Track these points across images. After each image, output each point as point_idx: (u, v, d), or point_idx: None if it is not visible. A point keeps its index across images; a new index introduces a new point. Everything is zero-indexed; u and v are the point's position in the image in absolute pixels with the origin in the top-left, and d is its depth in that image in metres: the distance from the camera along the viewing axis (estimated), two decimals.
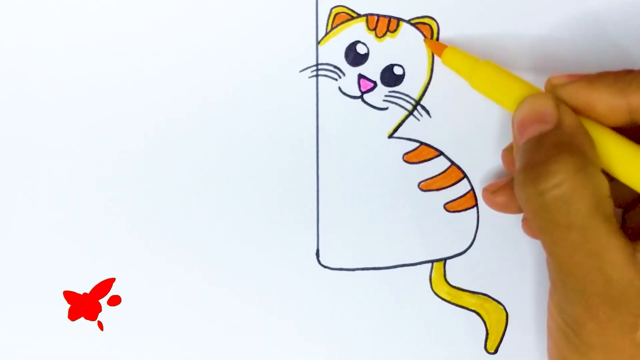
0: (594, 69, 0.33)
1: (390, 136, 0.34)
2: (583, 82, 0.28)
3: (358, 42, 0.34)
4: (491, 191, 0.32)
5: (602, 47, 0.33)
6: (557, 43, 0.33)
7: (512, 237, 0.34)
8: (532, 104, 0.28)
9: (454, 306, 0.35)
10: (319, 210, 0.34)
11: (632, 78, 0.27)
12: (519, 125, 0.28)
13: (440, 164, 0.34)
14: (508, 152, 0.32)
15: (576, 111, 0.28)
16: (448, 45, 0.33)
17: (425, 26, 0.33)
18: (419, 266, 0.35)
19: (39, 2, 0.33)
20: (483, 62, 0.31)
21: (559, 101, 0.28)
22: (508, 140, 0.34)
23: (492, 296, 0.35)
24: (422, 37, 0.33)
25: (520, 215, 0.34)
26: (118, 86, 0.34)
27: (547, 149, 0.26)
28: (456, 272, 0.35)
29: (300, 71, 0.34)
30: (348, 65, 0.34)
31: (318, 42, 0.34)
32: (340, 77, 0.34)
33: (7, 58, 0.34)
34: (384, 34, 0.33)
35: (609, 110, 0.27)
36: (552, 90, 0.29)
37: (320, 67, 0.34)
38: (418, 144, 0.34)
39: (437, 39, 0.33)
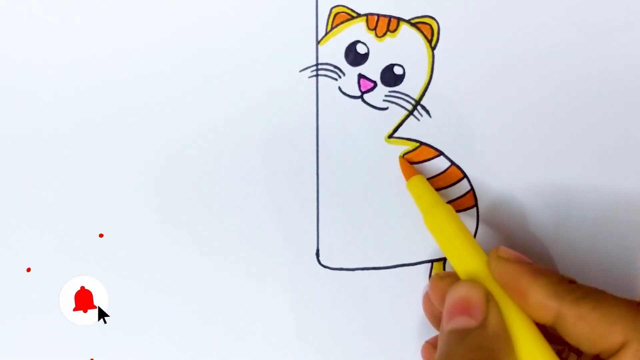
0: (593, 69, 0.33)
1: (390, 136, 0.34)
2: (527, 269, 0.28)
3: (358, 41, 0.34)
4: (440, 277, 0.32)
5: (602, 47, 0.33)
6: (557, 43, 0.33)
7: (512, 237, 0.34)
8: (465, 290, 0.28)
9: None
10: (319, 210, 0.34)
11: (573, 289, 0.27)
12: (448, 310, 0.29)
13: (440, 164, 0.34)
14: (438, 280, 0.32)
15: (507, 291, 0.28)
16: (419, 172, 0.33)
17: (426, 26, 0.33)
18: (419, 266, 0.35)
19: (40, 2, 0.33)
20: (444, 206, 0.31)
21: (491, 296, 0.28)
22: (508, 140, 0.34)
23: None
24: (398, 157, 0.34)
25: (521, 215, 0.34)
26: (118, 86, 0.34)
27: (467, 349, 0.27)
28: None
29: (300, 71, 0.34)
30: (348, 65, 0.34)
31: (318, 42, 0.34)
32: (340, 77, 0.34)
33: (7, 58, 0.34)
34: (384, 34, 0.33)
35: (538, 306, 0.27)
36: (496, 261, 0.29)
37: (320, 67, 0.34)
38: (418, 144, 0.34)
39: (438, 39, 0.33)
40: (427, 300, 0.33)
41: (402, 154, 0.34)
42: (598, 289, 0.27)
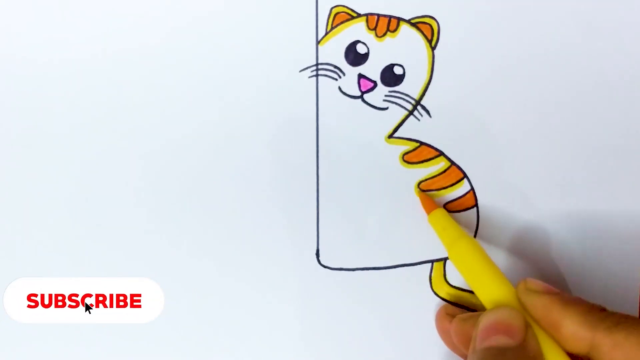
0: (594, 68, 0.33)
1: (390, 136, 0.34)
2: (557, 301, 0.28)
3: (358, 41, 0.34)
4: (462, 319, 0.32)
5: (603, 46, 0.33)
6: (557, 43, 0.33)
7: (512, 237, 0.34)
8: (503, 314, 0.28)
9: (454, 306, 0.35)
10: (319, 210, 0.34)
11: (605, 317, 0.27)
12: (484, 330, 0.28)
13: (440, 164, 0.34)
14: (461, 322, 0.31)
15: (539, 323, 0.28)
16: (439, 205, 0.33)
17: (426, 26, 0.33)
18: (419, 266, 0.35)
19: (38, 2, 0.33)
20: (468, 239, 0.31)
21: (528, 322, 0.28)
22: (508, 140, 0.34)
23: None
24: (415, 190, 0.34)
25: (521, 215, 0.34)
26: (117, 85, 0.34)
27: None
28: (456, 272, 0.34)
29: (300, 71, 0.34)
30: (348, 65, 0.34)
31: (318, 42, 0.34)
32: (340, 77, 0.34)
33: (4, 58, 0.34)
34: (384, 34, 0.33)
35: (572, 337, 0.27)
36: (525, 293, 0.29)
37: (320, 67, 0.34)
38: (418, 144, 0.34)
39: (438, 39, 0.33)
40: (443, 328, 0.33)
41: (416, 185, 0.34)
42: (630, 316, 0.27)
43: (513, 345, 0.27)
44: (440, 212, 0.33)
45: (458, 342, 0.31)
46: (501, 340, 0.27)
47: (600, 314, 0.27)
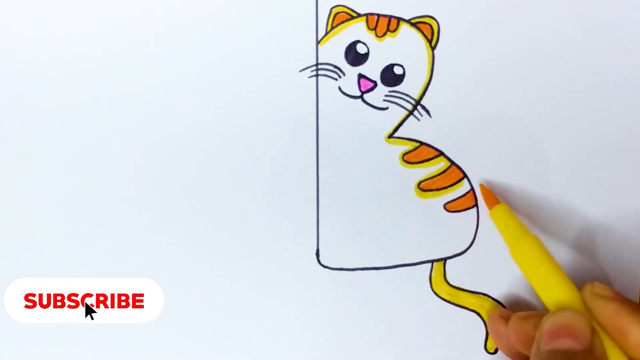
0: (594, 68, 0.33)
1: (390, 136, 0.34)
2: (626, 307, 0.28)
3: (358, 41, 0.34)
4: (522, 317, 0.31)
5: (603, 46, 0.33)
6: (557, 43, 0.33)
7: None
8: (570, 318, 0.28)
9: (454, 306, 0.35)
10: (319, 210, 0.34)
11: None
12: (550, 332, 0.28)
13: (440, 164, 0.34)
14: (520, 321, 0.31)
15: (605, 329, 0.28)
16: (501, 200, 0.33)
17: (426, 26, 0.33)
18: (419, 266, 0.35)
19: (37, 1, 0.33)
20: (531, 237, 0.31)
21: (595, 328, 0.28)
22: (508, 140, 0.34)
23: (492, 296, 0.35)
24: (480, 186, 0.34)
25: (521, 215, 0.34)
26: (116, 85, 0.34)
27: None
28: (456, 272, 0.35)
29: (300, 71, 0.34)
30: (348, 65, 0.34)
31: (318, 42, 0.33)
32: (340, 76, 0.34)
33: (7, 57, 0.34)
34: (384, 34, 0.33)
35: (639, 345, 0.27)
36: (592, 298, 0.29)
37: (320, 67, 0.34)
38: (418, 144, 0.34)
39: (438, 39, 0.33)
40: (497, 331, 0.33)
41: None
42: None
43: (580, 350, 0.27)
44: (503, 208, 0.32)
45: (516, 341, 0.31)
46: (568, 344, 0.27)
47: None
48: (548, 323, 0.28)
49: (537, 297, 0.34)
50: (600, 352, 0.27)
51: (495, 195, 0.33)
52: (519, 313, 0.31)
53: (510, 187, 0.34)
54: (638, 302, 0.29)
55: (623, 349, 0.27)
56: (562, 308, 0.29)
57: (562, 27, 0.33)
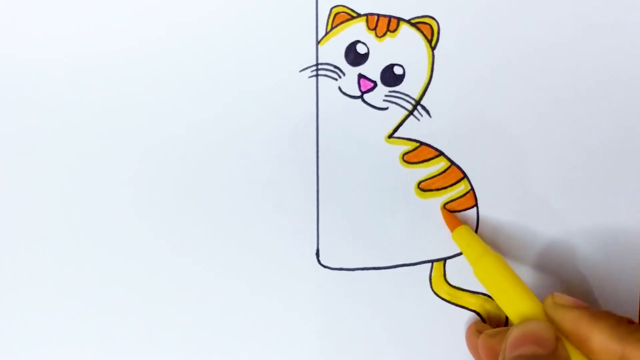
0: (594, 68, 0.33)
1: (390, 136, 0.34)
2: (585, 314, 0.28)
3: (358, 41, 0.34)
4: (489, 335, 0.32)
5: (603, 45, 0.33)
6: (557, 43, 0.33)
7: (512, 237, 0.34)
8: (533, 326, 0.28)
9: (454, 306, 0.35)
10: (319, 210, 0.34)
11: (635, 329, 0.27)
12: (515, 340, 0.28)
13: (440, 164, 0.34)
14: (488, 338, 0.31)
15: (568, 337, 0.28)
16: (462, 221, 0.34)
17: (426, 26, 0.33)
18: (419, 266, 0.35)
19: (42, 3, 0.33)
20: (492, 255, 0.31)
21: (559, 334, 0.28)
22: (507, 140, 0.34)
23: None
24: (440, 208, 0.34)
25: (521, 215, 0.34)
26: (116, 85, 0.34)
27: None
28: (456, 272, 0.35)
29: (300, 71, 0.34)
30: (348, 65, 0.34)
31: (318, 42, 0.33)
32: (340, 77, 0.34)
33: (6, 56, 0.34)
34: (384, 34, 0.33)
35: (601, 350, 0.27)
36: (553, 308, 0.29)
37: (320, 67, 0.34)
38: (418, 144, 0.34)
39: (438, 39, 0.33)
40: (473, 345, 0.33)
41: (442, 204, 0.34)
42: None
43: (544, 354, 0.27)
44: (464, 229, 0.33)
45: (485, 357, 0.31)
46: (532, 349, 0.27)
47: (630, 326, 0.27)
48: (512, 333, 0.28)
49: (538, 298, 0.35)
50: (564, 357, 0.27)
51: (457, 218, 0.34)
52: (487, 331, 0.32)
53: (509, 186, 0.34)
54: (600, 309, 0.29)
55: (586, 356, 0.28)
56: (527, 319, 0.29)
57: (562, 27, 0.33)
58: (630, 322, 0.28)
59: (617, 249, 0.34)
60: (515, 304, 0.30)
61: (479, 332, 0.33)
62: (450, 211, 0.34)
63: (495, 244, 0.34)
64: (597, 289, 0.35)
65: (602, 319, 0.28)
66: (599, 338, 0.27)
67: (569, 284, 0.35)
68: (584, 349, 0.28)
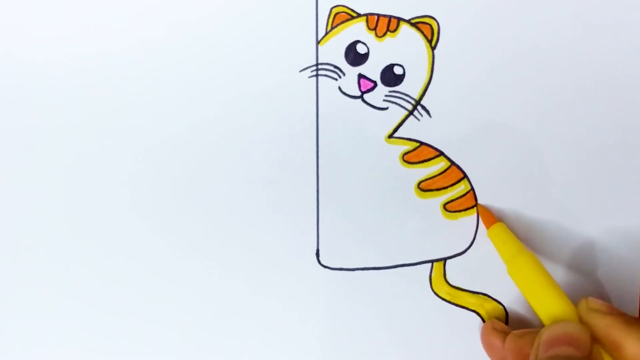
0: (594, 68, 0.33)
1: (390, 136, 0.34)
2: (619, 321, 0.28)
3: (358, 41, 0.34)
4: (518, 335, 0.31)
5: (603, 45, 0.33)
6: (557, 42, 0.33)
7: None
8: (569, 327, 0.28)
9: (453, 306, 0.35)
10: (319, 210, 0.34)
11: None
12: (549, 340, 0.28)
13: (440, 164, 0.34)
14: (516, 339, 0.31)
15: (601, 343, 0.28)
16: (498, 218, 0.33)
17: (426, 26, 0.33)
18: (419, 266, 0.35)
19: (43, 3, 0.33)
20: (528, 255, 0.31)
21: (594, 339, 0.28)
22: (508, 140, 0.34)
23: (492, 296, 0.35)
24: (477, 205, 0.34)
25: (521, 215, 0.34)
26: (116, 85, 0.34)
27: None
28: (456, 272, 0.35)
29: (300, 71, 0.34)
30: (348, 65, 0.34)
31: (318, 42, 0.33)
32: (340, 77, 0.34)
33: (5, 56, 0.34)
34: (384, 34, 0.33)
35: (635, 357, 0.27)
36: (587, 312, 0.29)
37: (320, 67, 0.34)
38: (418, 144, 0.34)
39: (438, 39, 0.33)
40: (491, 343, 0.33)
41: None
42: None
43: (579, 357, 0.27)
44: (500, 227, 0.33)
45: (513, 358, 0.31)
46: (567, 351, 0.27)
47: None
48: (547, 333, 0.28)
49: None
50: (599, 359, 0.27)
51: (492, 215, 0.34)
52: (515, 331, 0.32)
53: (509, 186, 0.34)
54: (634, 315, 0.29)
55: None
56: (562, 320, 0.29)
57: (562, 27, 0.33)
58: None
59: (617, 250, 0.34)
60: (549, 305, 0.30)
61: (497, 330, 0.33)
62: (452, 211, 0.34)
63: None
64: (597, 288, 0.35)
65: (636, 326, 0.27)
66: (633, 345, 0.27)
67: (570, 283, 0.35)
68: (617, 355, 0.28)
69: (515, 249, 0.32)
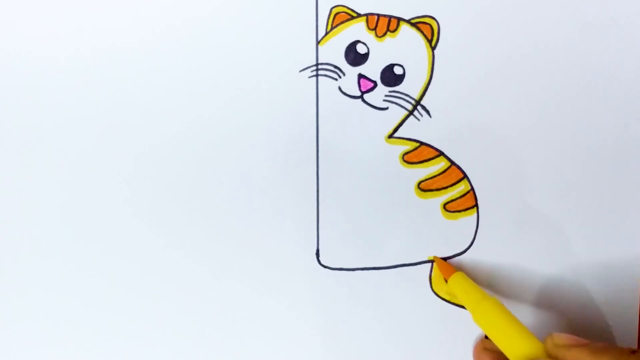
0: (594, 68, 0.33)
1: (390, 136, 0.34)
2: (586, 351, 0.28)
3: (358, 41, 0.34)
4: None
5: (602, 46, 0.33)
6: (557, 42, 0.33)
7: (512, 237, 0.34)
8: None
9: (453, 306, 0.35)
10: (319, 210, 0.34)
11: (636, 358, 0.27)
12: None
13: (440, 164, 0.34)
14: (483, 354, 0.33)
15: None
16: (457, 267, 0.34)
17: (426, 26, 0.33)
18: (419, 266, 0.35)
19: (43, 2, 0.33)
20: (490, 300, 0.31)
21: None
22: (508, 140, 0.34)
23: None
24: (434, 258, 0.34)
25: (520, 215, 0.34)
26: (116, 85, 0.34)
27: None
28: None
29: (300, 71, 0.34)
30: (348, 65, 0.34)
31: (318, 42, 0.33)
32: (340, 77, 0.34)
33: (4, 55, 0.34)
34: (384, 34, 0.33)
35: None
36: (554, 348, 0.29)
37: (320, 67, 0.34)
38: (418, 144, 0.34)
39: (438, 39, 0.33)
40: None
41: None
42: None
43: None
44: (460, 276, 0.33)
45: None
46: None
47: (631, 357, 0.27)
48: None
49: (537, 296, 0.35)
50: None
51: (451, 266, 0.34)
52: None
53: (509, 186, 0.34)
54: (600, 343, 0.29)
55: None
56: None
57: (562, 26, 0.33)
58: (632, 352, 0.27)
59: (618, 246, 0.34)
60: (517, 346, 0.30)
61: (488, 349, 0.34)
62: (452, 211, 0.34)
63: (496, 243, 0.34)
64: (597, 289, 0.35)
65: (603, 354, 0.28)
66: None
67: (571, 282, 0.35)
68: None
69: (477, 296, 0.32)
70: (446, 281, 0.34)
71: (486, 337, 0.35)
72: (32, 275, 0.35)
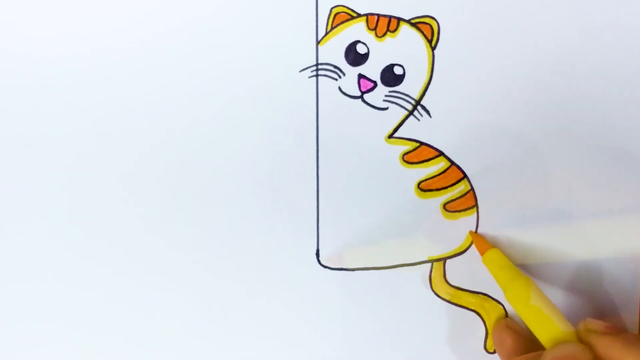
0: (594, 69, 0.33)
1: (390, 136, 0.34)
2: (619, 339, 0.28)
3: (358, 41, 0.34)
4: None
5: (602, 47, 0.33)
6: (557, 43, 0.33)
7: (512, 237, 0.34)
8: (572, 348, 0.28)
9: (454, 306, 0.35)
10: (319, 210, 0.34)
11: None
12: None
13: (440, 164, 0.34)
14: (505, 333, 0.33)
15: None
16: (492, 244, 0.34)
17: (426, 26, 0.33)
18: (419, 266, 0.35)
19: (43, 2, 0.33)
20: (524, 279, 0.31)
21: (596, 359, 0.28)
22: (508, 140, 0.34)
23: (492, 296, 0.35)
24: (470, 232, 0.34)
25: (520, 215, 0.34)
26: (116, 85, 0.34)
27: None
28: (456, 272, 0.35)
29: (300, 71, 0.34)
30: (348, 65, 0.34)
31: (318, 42, 0.33)
32: (340, 77, 0.34)
33: (4, 55, 0.34)
34: (384, 34, 0.33)
35: None
36: (587, 333, 0.29)
37: (320, 67, 0.34)
38: (418, 144, 0.34)
39: (438, 39, 0.33)
40: (501, 340, 0.34)
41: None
42: None
43: None
44: (495, 253, 0.33)
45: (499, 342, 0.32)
46: None
47: None
48: (550, 355, 0.28)
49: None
50: None
51: (487, 242, 0.34)
52: (519, 357, 0.32)
53: (509, 186, 0.34)
54: (634, 333, 0.29)
55: None
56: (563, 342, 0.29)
57: (562, 27, 0.33)
58: None
59: (619, 245, 0.34)
60: (549, 329, 0.30)
61: (510, 328, 0.33)
62: (452, 211, 0.34)
63: (496, 244, 0.34)
64: (597, 289, 0.35)
65: (634, 345, 0.28)
66: None
67: (571, 283, 0.35)
68: None
69: (511, 274, 0.32)
70: (481, 256, 0.33)
71: (481, 319, 0.35)
72: (32, 275, 0.35)
